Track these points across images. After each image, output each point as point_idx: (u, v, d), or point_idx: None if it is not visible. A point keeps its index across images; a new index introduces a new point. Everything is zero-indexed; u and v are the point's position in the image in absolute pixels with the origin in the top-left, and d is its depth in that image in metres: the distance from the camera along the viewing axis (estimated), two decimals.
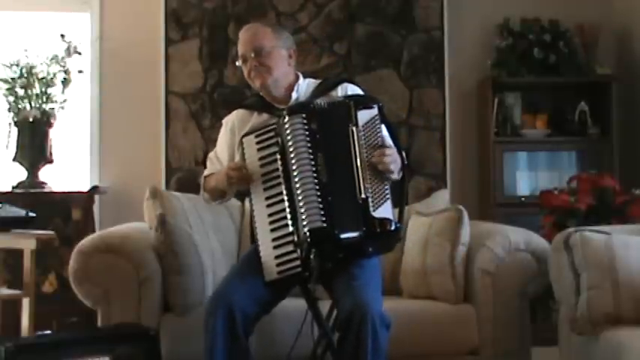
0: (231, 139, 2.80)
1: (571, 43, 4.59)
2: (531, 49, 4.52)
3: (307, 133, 2.43)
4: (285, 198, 2.45)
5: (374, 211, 2.38)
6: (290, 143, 2.43)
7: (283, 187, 2.46)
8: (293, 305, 2.60)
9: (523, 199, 4.51)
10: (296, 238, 2.42)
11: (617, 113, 4.52)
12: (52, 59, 4.28)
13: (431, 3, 4.60)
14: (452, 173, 4.58)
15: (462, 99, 4.72)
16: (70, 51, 4.31)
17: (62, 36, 4.33)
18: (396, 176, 2.50)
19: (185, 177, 4.46)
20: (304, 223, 2.37)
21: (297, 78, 2.80)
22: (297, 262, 2.44)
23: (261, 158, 2.52)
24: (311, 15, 4.56)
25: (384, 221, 2.39)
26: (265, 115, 2.73)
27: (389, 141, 2.53)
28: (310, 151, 2.41)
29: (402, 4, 4.59)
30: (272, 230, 2.48)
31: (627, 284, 2.57)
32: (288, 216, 2.44)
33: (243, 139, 2.59)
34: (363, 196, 2.39)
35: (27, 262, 3.37)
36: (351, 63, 4.54)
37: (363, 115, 2.46)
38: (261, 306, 2.50)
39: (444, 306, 3.02)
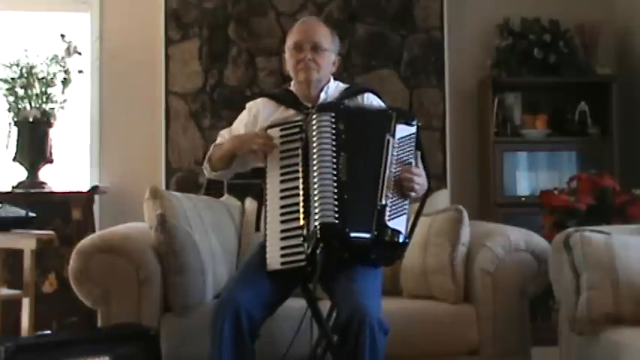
0: (253, 123, 2.82)
1: (571, 43, 4.59)
2: (531, 49, 4.52)
3: (333, 131, 2.44)
4: (301, 192, 2.45)
5: (389, 220, 2.39)
6: (314, 139, 2.43)
7: (300, 181, 2.46)
8: (293, 305, 2.59)
9: (523, 199, 4.51)
10: (305, 232, 2.42)
11: (617, 113, 4.53)
12: (52, 59, 4.28)
13: (431, 3, 4.60)
14: (452, 173, 4.58)
15: (462, 99, 4.72)
16: (70, 51, 4.30)
17: (62, 36, 4.33)
18: (416, 195, 2.51)
19: (185, 177, 4.46)
20: (316, 217, 2.37)
21: (329, 80, 2.83)
22: (302, 256, 2.43)
23: (282, 151, 2.54)
24: (311, 15, 4.55)
25: (395, 232, 2.40)
26: (292, 111, 2.75)
27: (419, 163, 2.53)
28: (334, 149, 2.42)
29: (402, 4, 4.59)
30: (282, 222, 2.48)
31: (627, 284, 2.57)
32: (301, 209, 2.44)
33: (268, 131, 2.59)
34: (382, 202, 2.40)
35: (27, 262, 3.37)
36: (351, 63, 4.54)
37: (401, 130, 2.47)
38: (266, 309, 2.49)
39: (443, 306, 3.02)
